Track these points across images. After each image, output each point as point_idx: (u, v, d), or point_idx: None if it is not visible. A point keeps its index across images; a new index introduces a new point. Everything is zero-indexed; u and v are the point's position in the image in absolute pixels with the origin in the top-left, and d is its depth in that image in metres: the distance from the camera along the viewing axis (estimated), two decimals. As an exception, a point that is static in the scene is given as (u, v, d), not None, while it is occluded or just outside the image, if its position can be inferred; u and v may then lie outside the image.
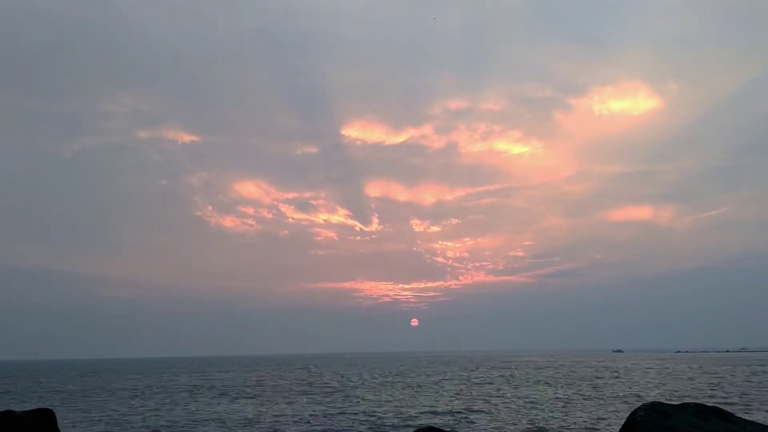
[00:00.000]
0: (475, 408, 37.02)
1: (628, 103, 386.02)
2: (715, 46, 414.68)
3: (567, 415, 33.05)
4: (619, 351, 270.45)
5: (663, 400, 25.77)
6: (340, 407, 38.84)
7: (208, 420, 33.90)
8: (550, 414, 33.78)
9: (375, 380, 69.96)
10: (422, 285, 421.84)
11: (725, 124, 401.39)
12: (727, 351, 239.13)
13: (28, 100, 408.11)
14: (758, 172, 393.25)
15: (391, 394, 48.73)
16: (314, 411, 36.83)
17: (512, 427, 29.11)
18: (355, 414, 35.18)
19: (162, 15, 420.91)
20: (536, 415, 33.52)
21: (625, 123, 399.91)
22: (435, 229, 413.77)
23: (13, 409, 19.05)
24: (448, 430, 22.35)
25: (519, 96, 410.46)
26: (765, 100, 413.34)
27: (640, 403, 18.74)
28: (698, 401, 21.85)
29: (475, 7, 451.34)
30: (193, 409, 40.34)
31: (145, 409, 40.51)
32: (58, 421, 19.57)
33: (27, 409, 19.90)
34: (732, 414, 17.79)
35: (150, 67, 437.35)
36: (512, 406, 37.85)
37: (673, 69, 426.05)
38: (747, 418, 21.81)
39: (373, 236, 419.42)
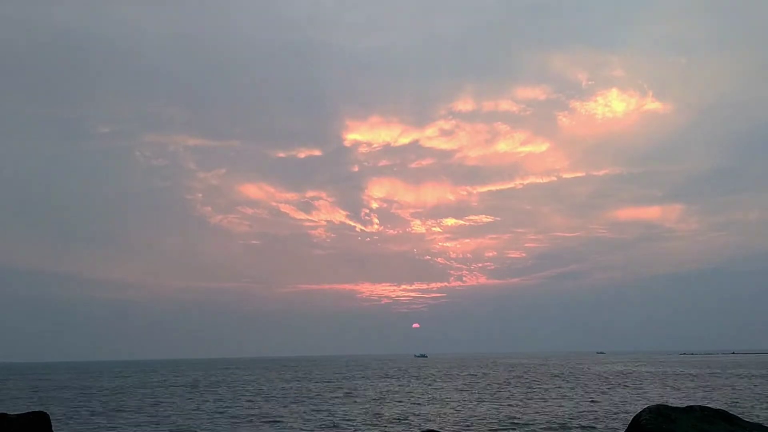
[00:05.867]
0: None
1: (631, 105, 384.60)
2: (717, 47, 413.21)
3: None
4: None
5: (668, 403, 25.38)
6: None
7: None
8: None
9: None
10: (424, 286, 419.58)
11: (729, 125, 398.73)
12: (733, 353, 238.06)
13: (33, 104, 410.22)
14: (762, 173, 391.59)
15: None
16: None
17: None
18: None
19: (169, 21, 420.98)
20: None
21: (628, 124, 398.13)
22: (437, 230, 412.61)
23: (7, 412, 18.80)
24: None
25: (523, 98, 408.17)
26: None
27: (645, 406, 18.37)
28: (704, 404, 21.47)
29: (479, 9, 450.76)
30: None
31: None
32: (53, 424, 19.34)
33: (22, 412, 19.66)
34: (738, 417, 17.47)
35: (156, 73, 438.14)
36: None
37: (676, 71, 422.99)
38: (753, 421, 21.42)
39: (375, 237, 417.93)
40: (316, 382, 71.49)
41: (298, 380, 78.13)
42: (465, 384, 63.16)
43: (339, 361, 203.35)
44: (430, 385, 63.48)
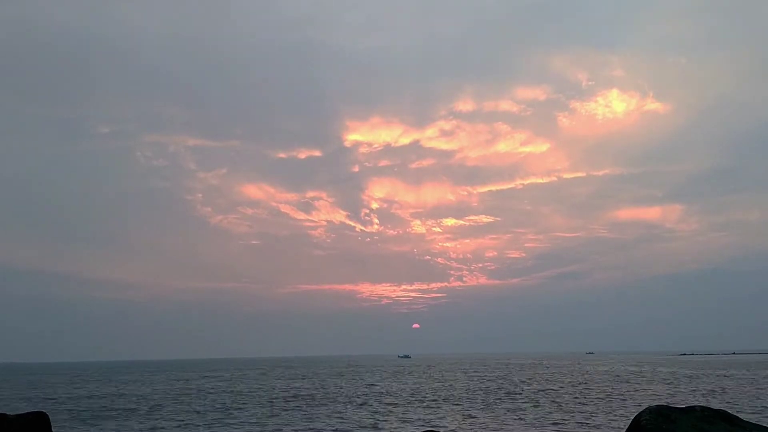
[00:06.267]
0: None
1: (632, 105, 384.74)
2: (717, 47, 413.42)
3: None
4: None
5: (668, 404, 25.35)
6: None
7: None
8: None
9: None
10: (424, 287, 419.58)
11: (729, 125, 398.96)
12: (734, 353, 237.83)
13: (33, 104, 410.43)
14: (762, 173, 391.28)
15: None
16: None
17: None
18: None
19: (169, 21, 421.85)
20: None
21: (629, 125, 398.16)
22: (437, 230, 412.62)
23: (7, 413, 18.76)
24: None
25: (523, 98, 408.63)
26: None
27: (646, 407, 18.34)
28: (704, 404, 21.44)
29: (479, 9, 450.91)
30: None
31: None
32: (52, 425, 19.29)
33: (21, 412, 19.62)
34: (739, 418, 17.41)
35: (156, 73, 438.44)
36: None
37: (676, 71, 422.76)
38: (754, 422, 21.37)
39: (375, 237, 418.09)
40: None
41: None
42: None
43: (316, 364, 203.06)
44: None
